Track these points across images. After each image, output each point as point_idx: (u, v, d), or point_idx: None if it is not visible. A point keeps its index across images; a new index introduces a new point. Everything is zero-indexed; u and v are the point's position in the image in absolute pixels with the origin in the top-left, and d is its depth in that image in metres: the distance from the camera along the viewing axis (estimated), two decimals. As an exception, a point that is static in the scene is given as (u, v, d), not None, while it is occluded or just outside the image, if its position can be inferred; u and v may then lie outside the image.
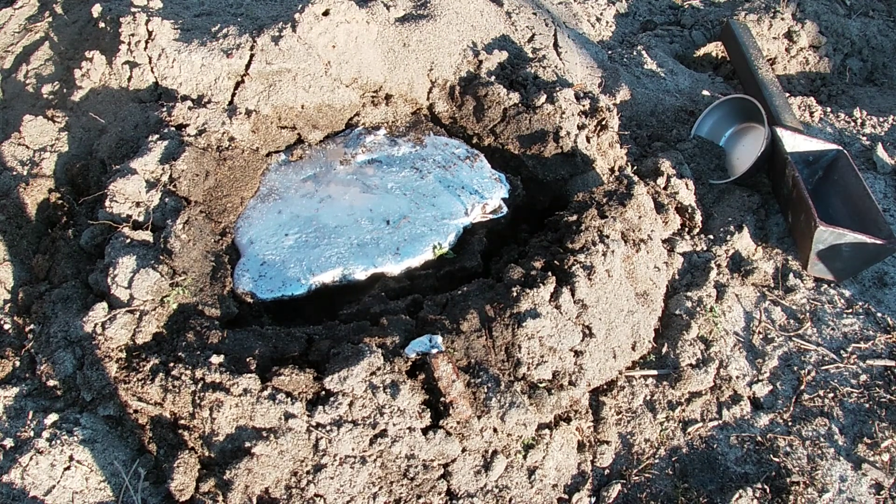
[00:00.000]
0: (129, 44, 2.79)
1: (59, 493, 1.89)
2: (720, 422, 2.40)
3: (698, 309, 2.65)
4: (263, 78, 2.81)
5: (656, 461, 2.31)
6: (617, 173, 2.94)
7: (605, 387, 2.43)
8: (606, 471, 2.28)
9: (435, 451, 1.96)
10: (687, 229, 3.03)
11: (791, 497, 2.20)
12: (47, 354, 2.14)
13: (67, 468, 1.93)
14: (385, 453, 1.93)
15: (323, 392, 1.96)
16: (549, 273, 2.31)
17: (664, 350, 2.54)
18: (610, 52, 4.16)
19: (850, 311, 2.75)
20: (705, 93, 3.83)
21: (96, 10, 3.04)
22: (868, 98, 4.14)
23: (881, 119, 3.70)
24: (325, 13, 2.85)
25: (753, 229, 3.03)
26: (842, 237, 2.66)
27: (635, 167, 3.23)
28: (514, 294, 2.19)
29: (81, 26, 3.31)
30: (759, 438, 2.36)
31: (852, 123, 3.68)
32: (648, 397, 2.43)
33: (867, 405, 2.44)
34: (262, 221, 2.57)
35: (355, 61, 2.95)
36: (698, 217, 3.04)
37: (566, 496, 2.17)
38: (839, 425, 2.39)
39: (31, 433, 1.99)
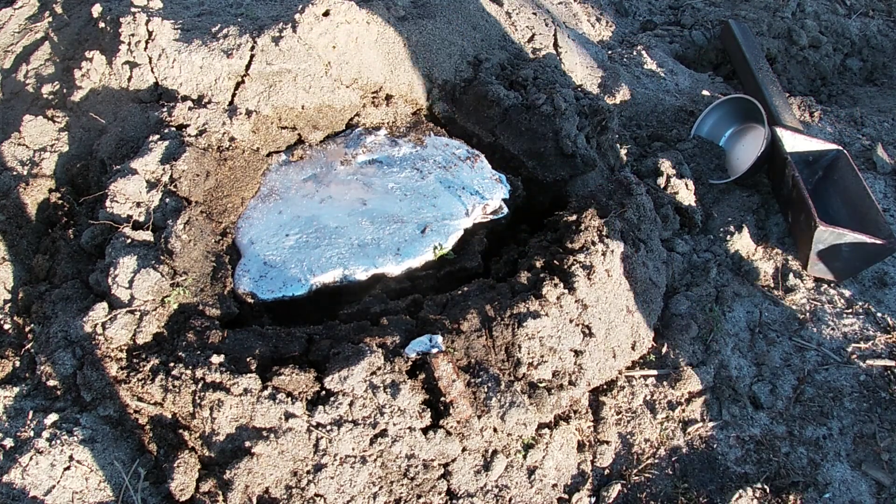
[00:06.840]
0: (129, 44, 2.79)
1: (59, 493, 1.89)
2: (720, 422, 2.40)
3: (698, 309, 2.65)
4: (264, 78, 2.81)
5: (656, 461, 2.31)
6: (617, 173, 2.94)
7: (605, 387, 2.43)
8: (606, 471, 2.28)
9: (435, 451, 1.96)
10: (687, 229, 3.03)
11: (791, 497, 2.20)
12: (47, 354, 2.14)
13: (67, 468, 1.93)
14: (385, 453, 1.93)
15: (323, 392, 1.96)
16: (549, 273, 2.32)
17: (664, 350, 2.54)
18: (610, 52, 4.16)
19: (850, 311, 2.75)
20: (705, 93, 3.83)
21: (96, 10, 3.04)
22: (868, 98, 4.15)
23: (881, 119, 3.70)
24: (326, 14, 2.85)
25: (753, 229, 3.03)
26: (842, 237, 2.66)
27: (635, 167, 3.23)
28: (514, 294, 2.19)
29: (81, 26, 3.31)
30: (759, 438, 2.36)
31: (852, 123, 3.68)
32: (648, 397, 2.43)
33: (867, 405, 2.44)
34: (262, 222, 2.57)
35: (355, 62, 2.95)
36: (698, 217, 3.04)
37: (566, 496, 2.17)
38: (839, 425, 2.39)
39: (31, 433, 1.99)
